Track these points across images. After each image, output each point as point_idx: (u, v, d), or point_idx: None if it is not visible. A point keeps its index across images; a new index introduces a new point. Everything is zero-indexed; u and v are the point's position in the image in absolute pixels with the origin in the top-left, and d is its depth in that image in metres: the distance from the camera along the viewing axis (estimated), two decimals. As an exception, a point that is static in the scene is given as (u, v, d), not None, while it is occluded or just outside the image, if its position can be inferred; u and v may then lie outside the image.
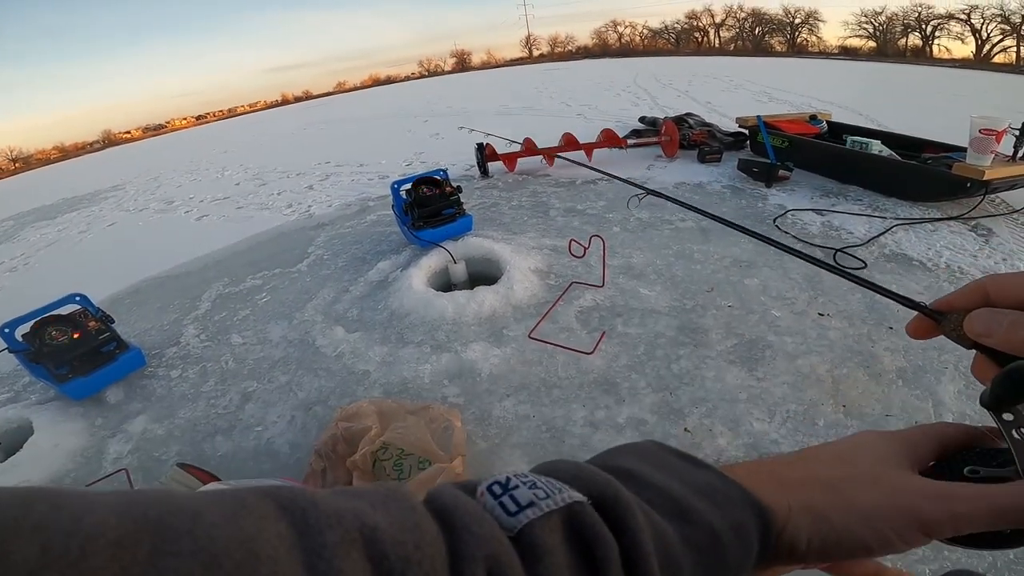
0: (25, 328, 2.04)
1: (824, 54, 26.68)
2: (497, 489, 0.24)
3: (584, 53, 38.73)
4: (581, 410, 1.63)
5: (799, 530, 0.28)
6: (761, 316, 1.96)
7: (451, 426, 1.52)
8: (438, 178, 2.89)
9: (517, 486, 0.24)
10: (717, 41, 36.29)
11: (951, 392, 1.49)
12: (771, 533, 0.27)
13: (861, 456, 0.31)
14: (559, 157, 3.88)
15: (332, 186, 4.95)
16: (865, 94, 7.88)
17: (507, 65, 38.14)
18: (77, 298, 2.18)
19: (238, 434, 1.77)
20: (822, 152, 3.39)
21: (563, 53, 41.73)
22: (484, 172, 4.31)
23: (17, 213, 7.09)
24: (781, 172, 3.28)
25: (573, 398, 1.69)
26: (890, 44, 27.42)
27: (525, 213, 3.32)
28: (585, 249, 2.18)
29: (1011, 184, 2.60)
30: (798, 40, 32.08)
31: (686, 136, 4.32)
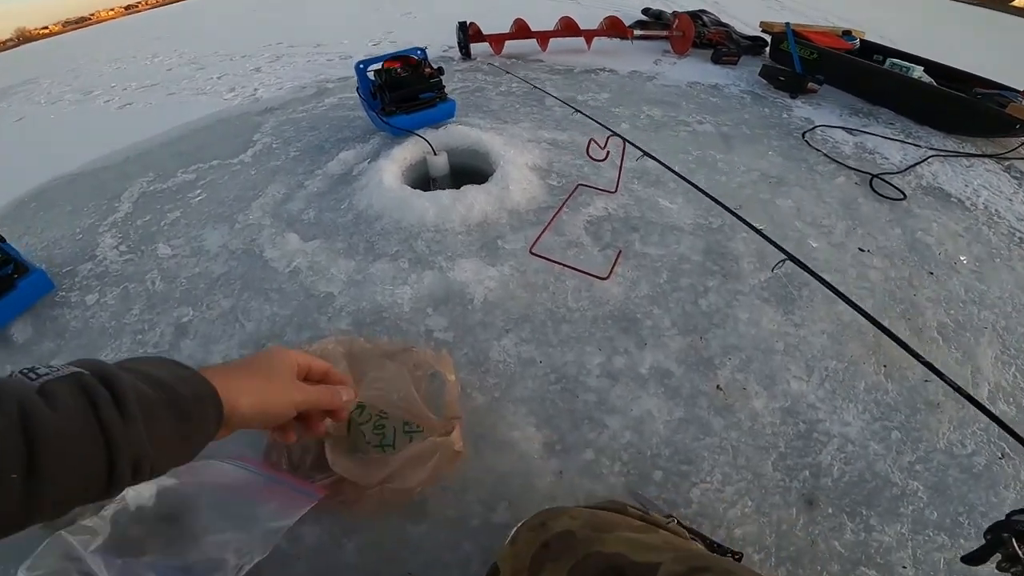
0: None
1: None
2: (25, 370, 0.35)
3: None
4: (597, 354, 1.27)
5: (245, 413, 0.47)
6: (797, 244, 1.59)
7: (440, 377, 1.13)
8: (415, 57, 2.21)
9: (37, 367, 0.35)
10: None
11: (989, 357, 1.30)
12: (223, 411, 0.45)
13: (277, 372, 0.53)
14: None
15: (284, 67, 3.98)
16: (921, 31, 5.81)
17: None
18: None
19: None
20: (855, 69, 2.86)
21: None
22: (466, 54, 3.52)
23: None
24: (810, 84, 2.77)
25: (586, 337, 1.31)
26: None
27: (516, 101, 2.67)
28: (606, 152, 1.71)
29: None
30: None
31: (701, 34, 3.61)
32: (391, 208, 1.69)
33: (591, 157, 1.68)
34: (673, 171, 1.53)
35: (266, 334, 1.42)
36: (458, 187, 1.75)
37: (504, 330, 1.35)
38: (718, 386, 1.21)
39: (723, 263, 1.53)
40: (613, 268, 1.47)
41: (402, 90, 2.13)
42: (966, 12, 6.74)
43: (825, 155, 2.14)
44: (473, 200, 1.64)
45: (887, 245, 1.64)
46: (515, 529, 0.69)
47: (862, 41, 3.44)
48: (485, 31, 3.58)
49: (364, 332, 1.38)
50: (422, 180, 2.08)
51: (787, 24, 3.24)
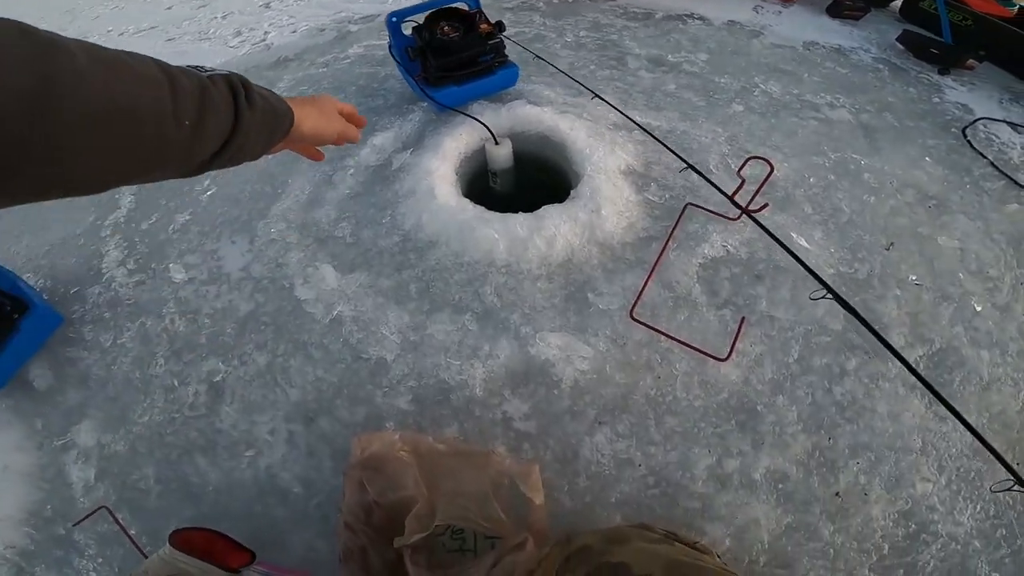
0: None
1: None
2: (198, 67, 0.47)
3: None
4: (705, 455, 1.05)
5: (305, 132, 0.60)
6: (958, 308, 1.24)
7: (526, 498, 0.97)
8: (466, 8, 1.63)
9: (203, 67, 0.47)
10: None
11: None
12: (294, 123, 0.57)
13: (328, 110, 0.65)
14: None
15: (297, 3, 3.42)
16: None
17: None
18: None
19: (223, 455, 1.17)
20: (1020, 43, 2.20)
21: None
22: None
23: None
24: (970, 61, 2.12)
25: (695, 433, 1.07)
26: None
27: (590, 58, 2.05)
28: (756, 189, 1.27)
29: None
30: None
31: None
32: (448, 234, 1.33)
33: (736, 206, 1.20)
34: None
35: (313, 406, 1.18)
36: (522, 179, 1.37)
37: (597, 422, 1.08)
38: (837, 493, 1.05)
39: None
40: (734, 344, 1.12)
41: (450, 56, 1.68)
42: None
43: (991, 164, 1.64)
44: (555, 230, 1.27)
45: None
46: (548, 548, 0.80)
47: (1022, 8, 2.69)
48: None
49: (429, 415, 1.12)
50: (478, 173, 1.70)
51: None
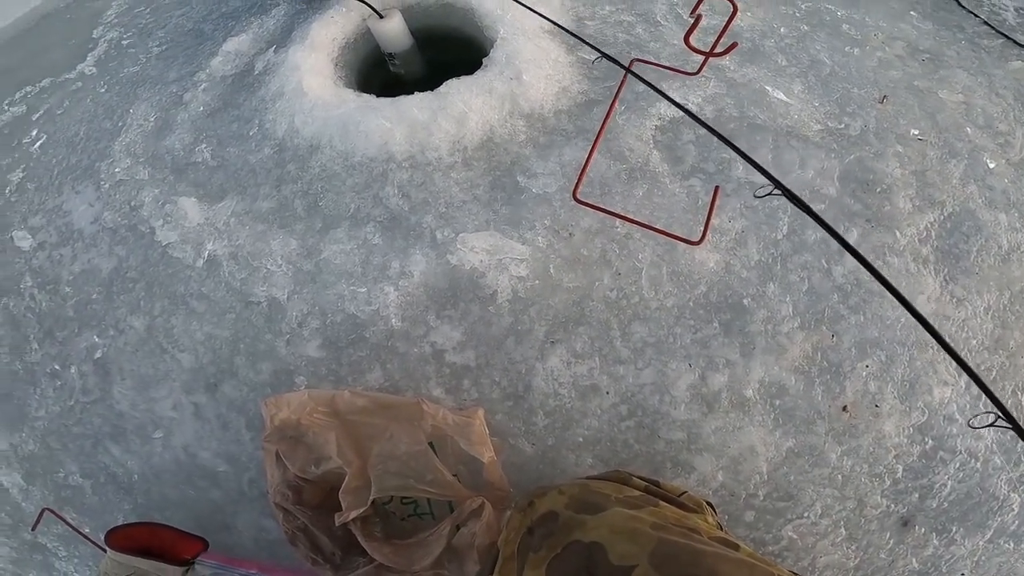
0: None
1: None
2: None
3: None
4: (685, 370, 0.85)
5: None
6: (968, 165, 1.03)
7: (470, 452, 0.81)
8: None
9: None
10: None
11: None
12: None
13: None
14: None
15: None
16: None
17: None
18: None
19: (134, 440, 1.05)
20: None
21: None
22: None
23: None
24: None
25: (670, 343, 0.86)
26: None
27: None
28: (717, 36, 0.91)
29: None
30: None
31: None
32: (331, 133, 1.01)
33: (690, 46, 0.88)
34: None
35: (211, 369, 0.97)
36: (433, 74, 1.09)
37: (549, 341, 0.87)
38: (844, 407, 0.90)
39: (869, 198, 0.96)
40: (708, 222, 0.90)
41: None
42: None
43: (985, 23, 1.38)
44: (465, 106, 0.95)
45: None
46: (509, 511, 0.68)
47: None
48: None
49: (344, 361, 0.92)
50: (374, 61, 1.36)
51: None
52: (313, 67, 1.01)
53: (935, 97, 1.13)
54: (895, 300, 0.66)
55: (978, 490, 0.89)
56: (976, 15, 1.44)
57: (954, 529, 0.88)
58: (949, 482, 0.89)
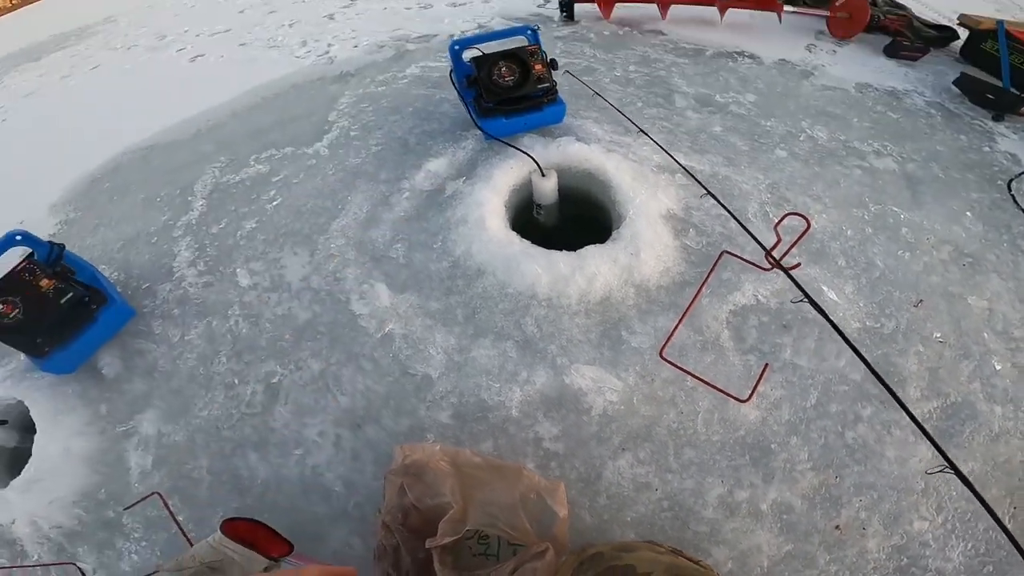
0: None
1: None
2: None
3: None
4: (718, 484, 1.20)
5: None
6: (977, 366, 1.36)
7: (551, 511, 1.11)
8: (526, 42, 1.82)
9: None
10: None
11: None
12: None
13: None
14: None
15: (359, 16, 3.51)
16: None
17: None
18: (18, 237, 1.47)
19: (274, 452, 1.37)
20: None
21: None
22: (569, 15, 2.95)
23: (6, 55, 6.03)
24: None
25: (711, 465, 1.23)
26: None
27: (638, 95, 2.24)
28: (793, 242, 1.36)
29: None
30: None
31: (875, 18, 2.82)
32: (496, 265, 1.50)
33: (770, 262, 1.27)
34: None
35: (362, 414, 1.37)
36: (566, 210, 1.51)
37: (620, 448, 1.26)
38: (837, 526, 1.18)
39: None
40: (756, 387, 1.24)
41: (503, 96, 1.83)
42: None
43: None
44: (596, 270, 1.43)
45: None
46: (565, 556, 0.95)
47: None
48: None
49: (467, 430, 1.30)
50: (523, 205, 1.85)
51: (1000, 23, 2.47)
52: (492, 208, 1.55)
53: (964, 303, 1.52)
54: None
55: (948, 605, 1.08)
56: None
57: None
58: (922, 596, 1.12)
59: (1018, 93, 2.27)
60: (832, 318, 1.37)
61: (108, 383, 1.57)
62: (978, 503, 1.13)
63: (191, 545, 1.06)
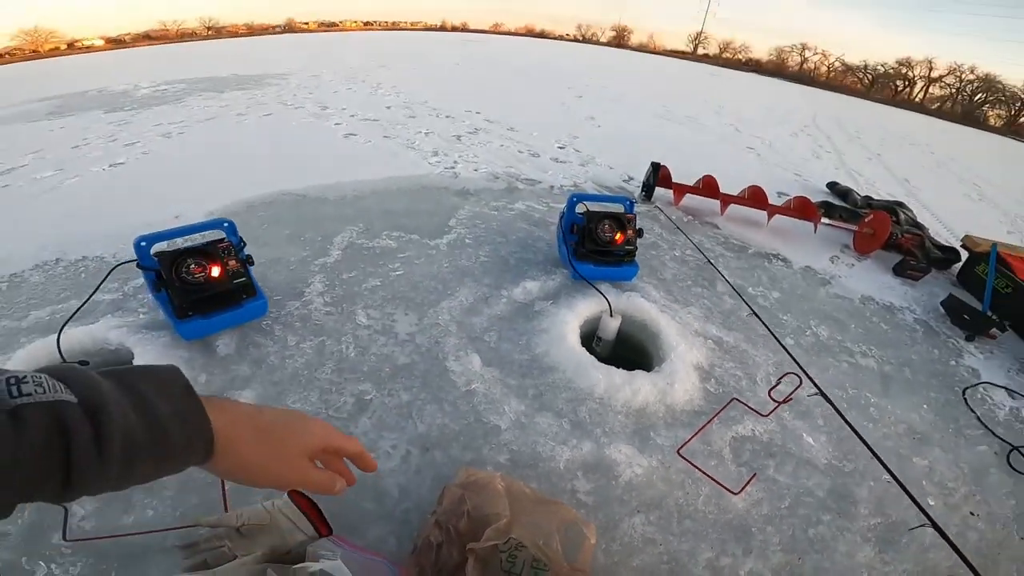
0: (163, 245, 1.94)
1: (1052, 143, 23.65)
2: (12, 380, 0.38)
3: (754, 66, 38.18)
4: (708, 550, 1.61)
5: (234, 475, 0.53)
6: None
7: (582, 535, 1.42)
8: (623, 211, 2.67)
9: (25, 380, 0.38)
10: (921, 96, 32.69)
11: None
12: (207, 460, 0.50)
13: (289, 448, 0.56)
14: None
15: (480, 145, 5.03)
16: None
17: (666, 54, 36.68)
18: (225, 224, 2.12)
19: None
20: None
21: (731, 60, 39.82)
22: (648, 196, 4.13)
23: (192, 78, 7.52)
24: (992, 330, 2.91)
25: (703, 535, 1.65)
26: None
27: (689, 275, 3.14)
28: (786, 397, 2.04)
29: None
30: (1021, 119, 27.84)
31: (894, 236, 3.79)
32: (567, 367, 2.05)
33: (772, 398, 2.07)
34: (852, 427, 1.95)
35: (435, 440, 1.79)
36: (617, 351, 2.20)
37: (637, 510, 1.69)
38: None
39: (842, 504, 1.82)
40: (745, 487, 1.81)
41: (598, 246, 2.44)
42: None
43: (978, 418, 2.34)
44: (640, 386, 1.96)
45: (996, 512, 1.87)
46: None
47: None
48: (667, 171, 4.14)
49: (518, 474, 1.70)
50: (588, 334, 2.38)
51: (993, 246, 3.28)
52: (571, 327, 2.08)
53: (908, 461, 2.05)
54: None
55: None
56: (974, 411, 2.34)
57: None
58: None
59: (991, 316, 2.90)
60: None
61: (217, 359, 2.03)
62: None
63: (226, 510, 1.19)
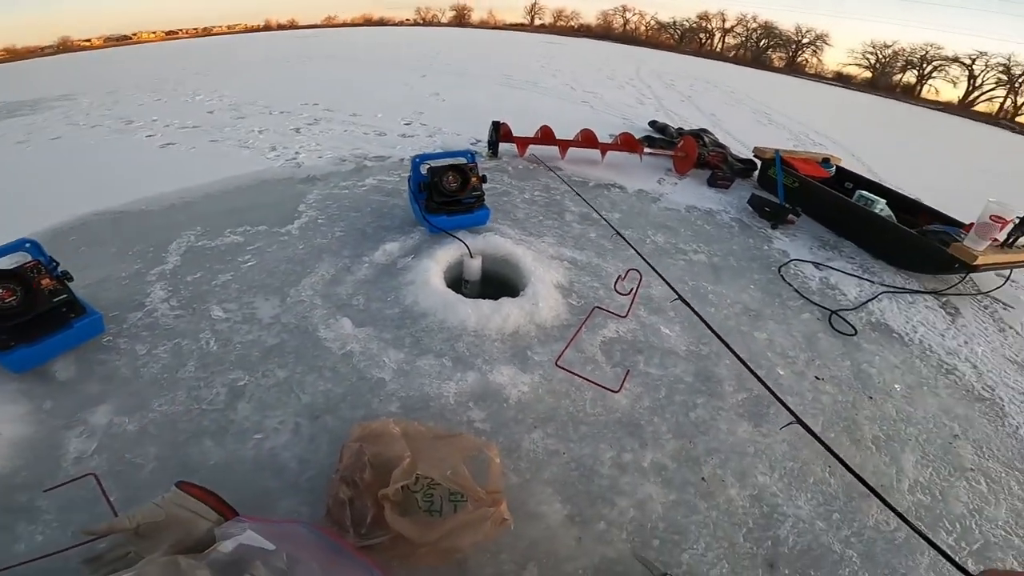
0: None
1: (819, 77, 29.33)
2: None
3: (585, 32, 40.56)
4: (608, 450, 1.75)
5: None
6: (767, 372, 2.18)
7: (487, 458, 1.47)
8: (465, 162, 2.80)
9: None
10: (720, 45, 37.90)
11: (911, 461, 1.83)
12: None
13: None
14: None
15: (322, 134, 4.79)
16: (861, 131, 8.86)
17: (506, 28, 37.94)
18: (27, 244, 1.86)
19: (232, 439, 1.65)
20: (829, 201, 3.64)
21: (564, 28, 42.28)
22: (494, 152, 4.35)
23: None
24: (790, 216, 3.57)
25: (600, 436, 1.80)
26: (885, 77, 30.16)
27: (539, 211, 3.39)
28: (632, 291, 2.31)
29: (991, 269, 2.95)
30: (798, 59, 33.54)
31: (702, 156, 4.51)
32: (437, 309, 2.11)
33: (618, 291, 2.35)
34: (700, 317, 1.98)
35: (322, 406, 1.78)
36: (485, 291, 2.32)
37: (533, 425, 1.83)
38: (703, 478, 1.70)
39: (709, 384, 2.10)
40: (623, 384, 2.03)
41: (447, 197, 2.55)
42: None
43: (795, 290, 2.84)
44: (509, 312, 2.11)
45: (838, 375, 2.26)
46: None
47: (838, 168, 4.34)
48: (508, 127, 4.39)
49: (412, 417, 1.75)
50: (454, 281, 2.48)
51: (776, 152, 4.09)
52: (434, 274, 2.27)
53: (751, 337, 2.42)
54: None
55: (815, 544, 1.52)
56: (791, 284, 2.82)
57: (812, 573, 1.43)
58: (790, 536, 1.54)
59: (786, 206, 3.59)
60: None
61: (58, 384, 1.77)
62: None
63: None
